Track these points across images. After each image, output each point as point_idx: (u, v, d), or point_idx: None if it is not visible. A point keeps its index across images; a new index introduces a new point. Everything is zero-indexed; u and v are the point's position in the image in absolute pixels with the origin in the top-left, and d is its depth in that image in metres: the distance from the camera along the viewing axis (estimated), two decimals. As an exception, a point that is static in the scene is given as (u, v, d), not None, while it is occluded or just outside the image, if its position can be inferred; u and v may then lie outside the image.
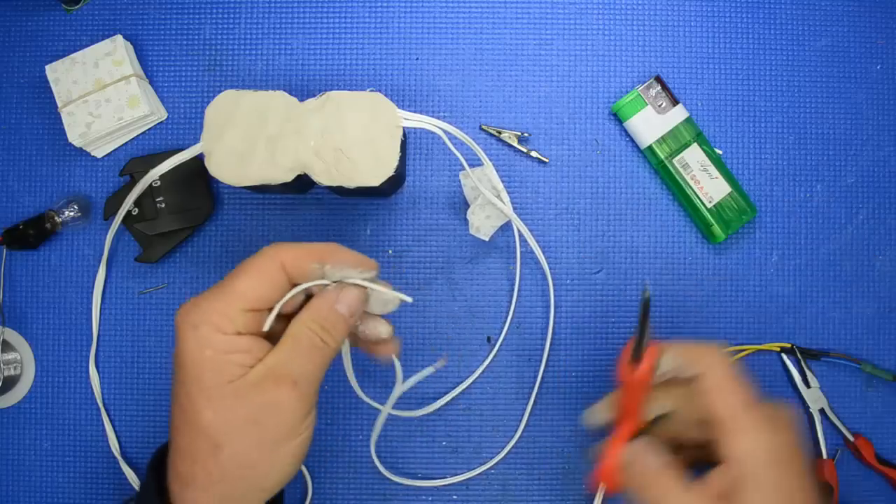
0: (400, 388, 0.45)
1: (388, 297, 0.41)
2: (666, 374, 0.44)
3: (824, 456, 0.56)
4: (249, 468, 0.36)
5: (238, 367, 0.36)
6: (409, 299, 0.42)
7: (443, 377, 0.57)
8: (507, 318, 0.57)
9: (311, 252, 0.39)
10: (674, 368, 0.43)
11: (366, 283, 0.40)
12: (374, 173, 0.49)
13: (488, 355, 0.57)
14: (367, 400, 0.54)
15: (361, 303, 0.40)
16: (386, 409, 0.46)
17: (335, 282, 0.40)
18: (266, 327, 0.38)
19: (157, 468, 0.39)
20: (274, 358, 0.37)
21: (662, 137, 0.56)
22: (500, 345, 0.57)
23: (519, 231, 0.56)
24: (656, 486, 0.41)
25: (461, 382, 0.57)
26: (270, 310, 0.38)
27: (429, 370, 0.45)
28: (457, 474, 0.57)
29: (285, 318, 0.39)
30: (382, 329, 0.43)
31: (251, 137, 0.49)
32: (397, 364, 0.44)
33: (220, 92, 0.50)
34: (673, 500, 0.40)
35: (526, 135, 0.58)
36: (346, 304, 0.39)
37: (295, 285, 0.39)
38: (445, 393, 0.57)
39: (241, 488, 0.36)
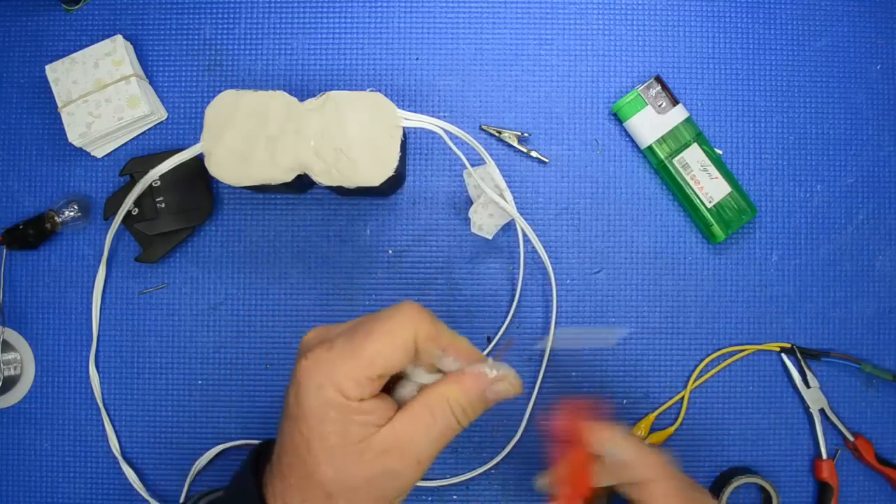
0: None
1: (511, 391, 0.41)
2: (606, 457, 0.45)
3: (824, 456, 0.56)
4: None
5: (363, 427, 0.35)
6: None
7: (443, 377, 0.57)
8: (507, 317, 0.57)
9: (444, 337, 0.37)
10: (614, 457, 0.44)
11: (506, 379, 0.39)
12: (374, 173, 0.49)
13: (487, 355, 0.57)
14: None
15: (510, 397, 0.40)
16: None
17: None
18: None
19: (254, 464, 0.39)
20: (405, 429, 0.36)
21: (662, 137, 0.56)
22: (501, 344, 0.57)
23: (522, 230, 0.56)
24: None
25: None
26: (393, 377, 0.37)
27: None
28: (457, 474, 0.57)
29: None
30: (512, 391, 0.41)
31: (251, 137, 0.49)
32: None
33: (220, 92, 0.50)
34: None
35: (526, 135, 0.58)
36: (497, 394, 0.39)
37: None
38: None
39: None
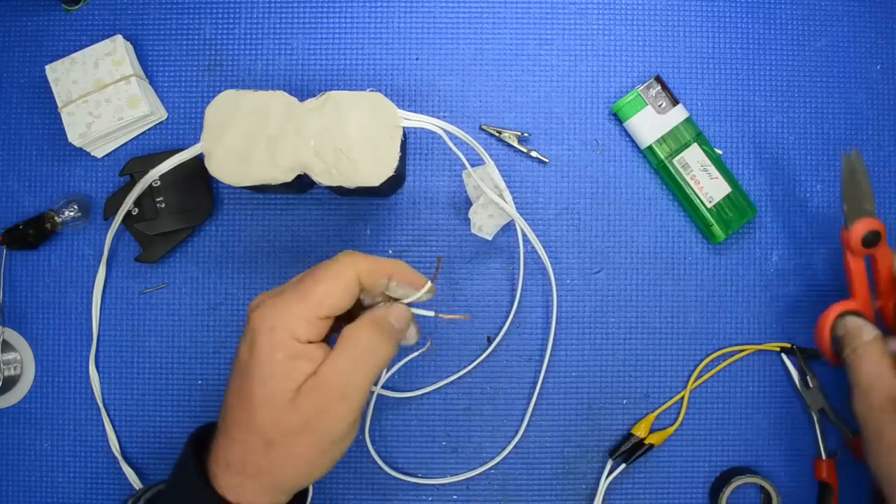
0: (385, 376, 0.47)
1: (412, 333, 0.44)
2: None
3: (824, 456, 0.56)
4: (297, 466, 0.38)
5: (302, 374, 0.38)
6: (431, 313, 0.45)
7: (443, 376, 0.57)
8: (507, 317, 0.57)
9: (384, 266, 0.41)
10: None
11: (412, 308, 0.43)
12: (374, 173, 0.49)
13: (486, 354, 0.57)
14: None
15: (409, 321, 0.42)
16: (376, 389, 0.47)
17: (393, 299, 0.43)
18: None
19: (194, 445, 0.41)
20: (326, 367, 0.38)
21: (662, 137, 0.56)
22: (498, 344, 0.57)
23: (522, 231, 0.56)
24: (866, 355, 0.46)
25: (460, 382, 0.57)
26: (337, 318, 0.40)
27: (413, 354, 0.47)
28: (457, 474, 0.57)
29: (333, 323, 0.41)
30: (412, 337, 0.45)
31: (251, 137, 0.49)
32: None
33: (220, 92, 0.50)
34: (882, 370, 0.45)
35: (526, 135, 0.58)
36: (397, 318, 0.41)
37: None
38: (446, 393, 0.57)
39: (286, 480, 0.39)
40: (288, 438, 0.37)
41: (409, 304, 0.43)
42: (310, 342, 0.38)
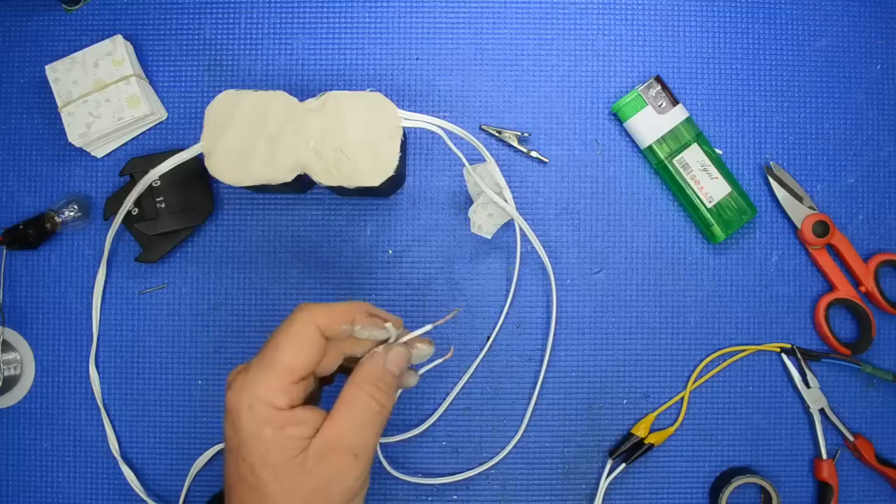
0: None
1: (424, 352, 0.44)
2: None
3: (824, 456, 0.56)
4: None
5: (298, 440, 0.37)
6: (433, 351, 0.44)
7: (443, 377, 0.57)
8: (500, 316, 0.57)
9: (343, 313, 0.40)
10: None
11: (408, 340, 0.43)
12: (374, 173, 0.49)
13: (483, 353, 0.57)
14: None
15: (407, 361, 0.42)
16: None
17: (379, 343, 0.42)
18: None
19: None
20: (333, 429, 0.38)
21: (662, 137, 0.56)
22: (498, 344, 0.57)
23: (520, 230, 0.56)
24: None
25: (459, 382, 0.57)
26: (316, 376, 0.40)
27: (437, 361, 0.46)
28: (457, 474, 0.57)
29: (317, 381, 0.41)
30: (412, 380, 0.44)
31: (251, 137, 0.49)
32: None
33: (220, 92, 0.50)
34: None
35: (526, 135, 0.58)
36: (395, 364, 0.41)
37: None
38: (446, 393, 0.57)
39: None
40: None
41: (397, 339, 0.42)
42: (293, 406, 0.38)
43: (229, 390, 0.38)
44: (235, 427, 0.37)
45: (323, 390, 0.45)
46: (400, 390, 0.44)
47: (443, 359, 0.46)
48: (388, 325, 0.41)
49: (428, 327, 0.43)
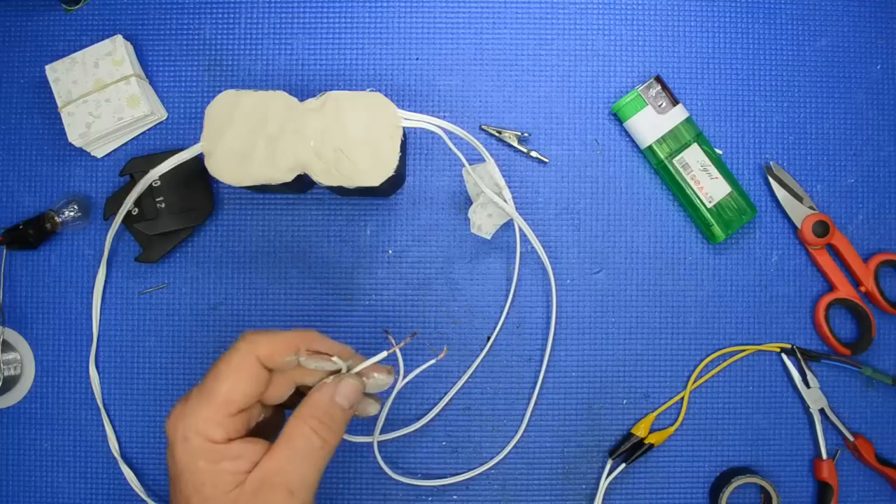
0: (401, 383, 0.44)
1: (383, 381, 0.41)
2: None
3: (824, 456, 0.56)
4: None
5: (233, 475, 0.36)
6: (392, 379, 0.41)
7: (443, 377, 0.57)
8: (503, 315, 0.57)
9: (287, 343, 0.38)
10: None
11: (363, 369, 0.40)
12: (374, 173, 0.49)
13: (483, 353, 0.57)
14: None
15: (359, 392, 0.39)
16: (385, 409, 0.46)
17: (332, 372, 0.39)
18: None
19: None
20: (270, 463, 0.36)
21: (662, 137, 0.56)
22: (498, 344, 0.57)
23: (520, 229, 0.56)
24: None
25: (458, 382, 0.57)
26: (266, 404, 0.39)
27: (430, 362, 0.45)
28: (457, 474, 0.57)
29: (272, 408, 0.40)
30: (372, 409, 0.42)
31: (251, 137, 0.49)
32: (398, 356, 0.43)
33: (220, 92, 0.50)
34: None
35: (526, 135, 0.58)
36: (345, 397, 0.39)
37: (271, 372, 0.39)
38: (445, 392, 0.57)
39: None
40: None
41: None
42: (231, 440, 0.36)
43: (168, 419, 0.37)
44: (172, 457, 0.36)
45: (285, 415, 0.43)
46: (357, 418, 0.42)
47: (436, 359, 0.44)
48: (335, 358, 0.39)
49: (383, 354, 0.40)
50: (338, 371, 0.40)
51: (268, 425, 0.40)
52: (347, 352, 0.41)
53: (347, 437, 0.56)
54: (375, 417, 0.43)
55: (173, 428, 0.36)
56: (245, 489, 0.36)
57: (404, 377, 0.44)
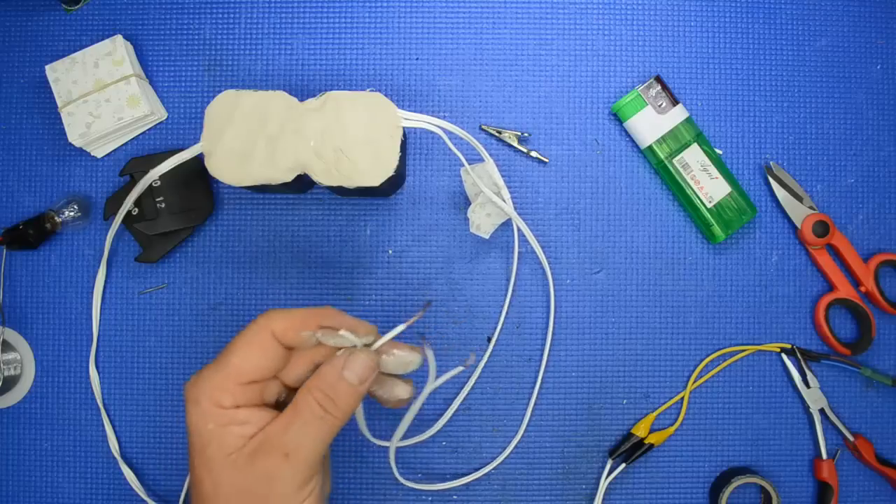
0: (431, 386, 0.42)
1: (407, 360, 0.40)
2: None
3: (824, 456, 0.56)
4: None
5: (238, 438, 0.37)
6: (429, 358, 0.40)
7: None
8: (500, 317, 0.57)
9: (303, 319, 0.38)
10: None
11: (381, 346, 0.39)
12: (374, 173, 0.49)
13: (487, 355, 0.57)
14: (371, 439, 0.53)
15: (372, 369, 0.39)
16: (410, 415, 0.43)
17: (350, 346, 0.39)
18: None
19: None
20: (272, 428, 0.37)
21: (662, 137, 0.56)
22: (498, 344, 0.57)
23: (518, 229, 0.56)
24: None
25: (458, 383, 0.57)
26: (287, 385, 0.40)
27: (458, 369, 0.43)
28: (457, 474, 0.57)
29: (296, 390, 0.40)
30: (401, 390, 0.41)
31: (251, 137, 0.49)
32: (430, 358, 0.41)
33: (220, 92, 0.50)
34: None
35: (526, 135, 0.58)
36: (354, 372, 0.38)
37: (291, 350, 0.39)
38: (447, 395, 0.57)
39: None
40: (231, 501, 0.36)
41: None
42: (238, 406, 0.37)
43: (185, 385, 0.38)
44: (188, 419, 0.38)
45: None
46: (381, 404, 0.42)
47: (464, 365, 0.42)
48: (343, 331, 0.38)
49: (400, 328, 0.39)
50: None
51: (285, 406, 0.40)
52: (366, 328, 0.40)
53: (371, 439, 0.55)
54: (404, 410, 0.42)
55: (188, 391, 0.38)
56: (244, 451, 0.37)
57: (434, 381, 0.42)
